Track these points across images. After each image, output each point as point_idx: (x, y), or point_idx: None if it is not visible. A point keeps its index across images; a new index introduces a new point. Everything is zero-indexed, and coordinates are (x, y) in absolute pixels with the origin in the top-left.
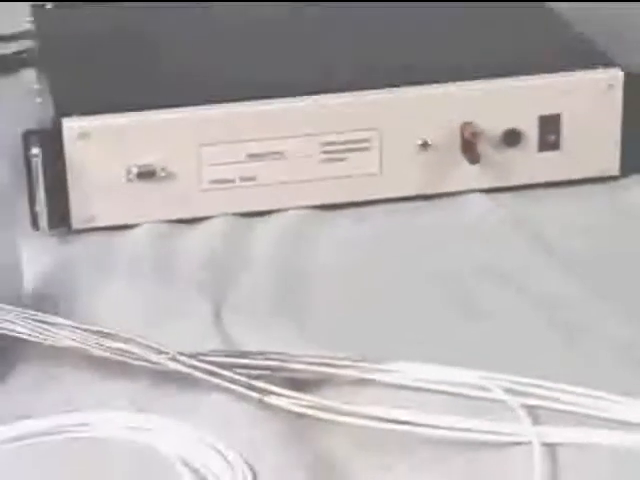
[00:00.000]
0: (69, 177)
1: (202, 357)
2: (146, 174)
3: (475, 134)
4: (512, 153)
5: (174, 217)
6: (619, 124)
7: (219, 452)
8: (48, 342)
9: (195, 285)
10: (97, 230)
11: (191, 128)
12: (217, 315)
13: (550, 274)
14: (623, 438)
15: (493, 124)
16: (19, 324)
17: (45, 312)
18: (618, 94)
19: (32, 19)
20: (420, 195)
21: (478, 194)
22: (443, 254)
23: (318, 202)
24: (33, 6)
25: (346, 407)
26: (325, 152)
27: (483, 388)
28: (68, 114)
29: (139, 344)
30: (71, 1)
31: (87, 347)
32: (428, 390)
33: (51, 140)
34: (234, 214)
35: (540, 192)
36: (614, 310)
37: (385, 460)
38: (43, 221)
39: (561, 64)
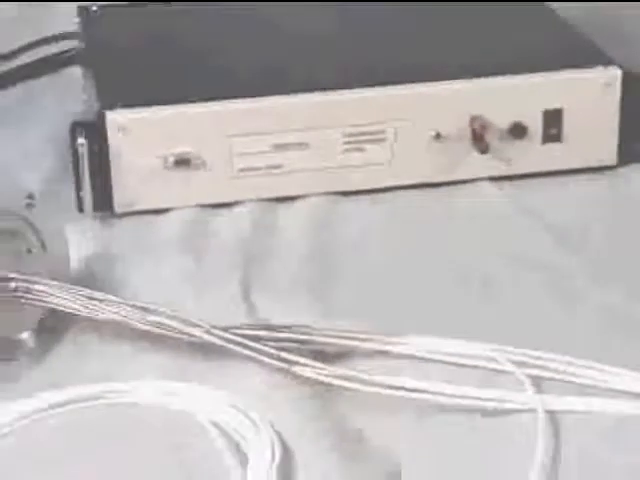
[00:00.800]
0: (112, 165)
1: (234, 330)
2: (181, 162)
3: (484, 126)
4: (518, 144)
5: (207, 202)
6: (617, 118)
7: (249, 417)
8: (95, 316)
9: (226, 264)
10: (137, 213)
11: (222, 120)
12: (247, 291)
13: (552, 253)
14: (621, 406)
15: (500, 117)
16: (68, 300)
17: (91, 289)
18: (616, 91)
19: (78, 20)
20: (433, 182)
21: (486, 182)
22: (454, 236)
23: (339, 188)
24: (79, 8)
25: (365, 376)
26: (345, 142)
27: (492, 360)
28: (111, 107)
29: (176, 318)
30: (114, 0)
31: (130, 321)
32: (441, 361)
33: (95, 131)
34: (262, 199)
35: (543, 180)
36: (613, 285)
37: (400, 425)
38: (88, 205)
39: (563, 63)
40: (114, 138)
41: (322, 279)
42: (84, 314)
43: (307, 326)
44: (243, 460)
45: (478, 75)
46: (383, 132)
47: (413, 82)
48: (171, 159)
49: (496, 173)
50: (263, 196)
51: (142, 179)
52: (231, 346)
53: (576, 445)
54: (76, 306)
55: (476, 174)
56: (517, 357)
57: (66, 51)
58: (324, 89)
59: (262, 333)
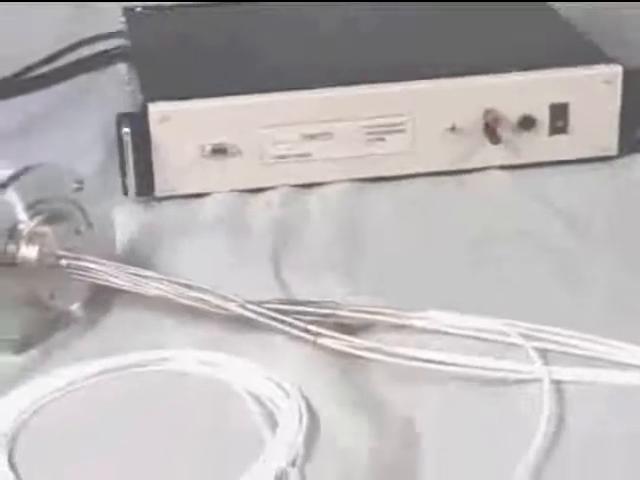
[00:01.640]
0: (154, 153)
1: (266, 305)
2: (218, 151)
3: (496, 119)
4: (527, 135)
5: (241, 187)
6: (618, 112)
7: (279, 386)
8: (140, 291)
9: (259, 244)
10: (176, 198)
11: (256, 112)
12: (278, 269)
13: (559, 235)
14: (623, 377)
15: (511, 111)
16: (114, 276)
17: (135, 266)
18: (617, 87)
19: (124, 20)
20: (449, 170)
21: (498, 170)
22: (468, 219)
23: (362, 175)
24: (125, 9)
25: (387, 348)
26: (368, 133)
27: (503, 333)
28: (153, 100)
29: (213, 293)
30: (157, 1)
31: (172, 296)
32: (456, 334)
33: (139, 121)
34: (291, 185)
35: (550, 168)
36: (616, 264)
37: (418, 393)
38: (132, 190)
39: (569, 61)
40: (156, 128)
41: (347, 258)
42: (129, 289)
43: (333, 301)
44: (274, 425)
45: (490, 72)
46: (403, 124)
47: (430, 78)
48: (208, 148)
49: (507, 162)
50: (293, 182)
51: (181, 166)
52: (263, 320)
53: (580, 413)
54: (121, 282)
55: (488, 163)
56: (526, 331)
57: (113, 49)
58: (349, 84)
59: (292, 308)
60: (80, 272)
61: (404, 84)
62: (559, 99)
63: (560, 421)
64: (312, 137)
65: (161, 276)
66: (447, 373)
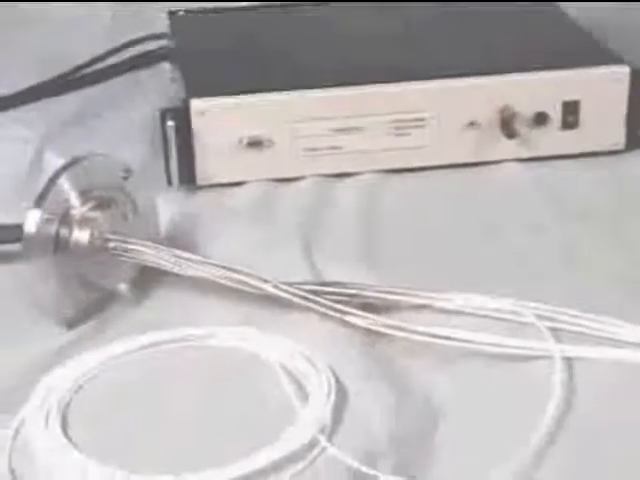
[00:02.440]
0: (195, 145)
1: (297, 285)
2: (254, 143)
3: (511, 115)
4: (540, 131)
5: (275, 177)
6: (625, 109)
7: (309, 360)
8: (181, 272)
9: (291, 229)
10: (215, 186)
11: (289, 108)
12: (308, 253)
13: (568, 223)
14: (629, 355)
15: (526, 107)
16: (158, 258)
17: (177, 249)
18: (625, 86)
19: (169, 23)
20: (467, 163)
21: (513, 162)
22: (485, 206)
23: (387, 167)
24: (169, 13)
25: (408, 326)
26: (394, 128)
27: (516, 313)
28: (194, 96)
29: (249, 274)
30: (199, 0)
31: (210, 276)
32: (472, 314)
33: (181, 116)
34: (321, 175)
35: (561, 161)
36: (621, 251)
37: (437, 368)
38: (174, 179)
39: (581, 62)
40: (197, 122)
41: (373, 243)
42: (171, 270)
43: (359, 283)
44: (304, 396)
45: (507, 72)
46: (426, 119)
47: (451, 77)
48: (245, 140)
49: (521, 155)
50: (322, 172)
51: (220, 157)
52: (295, 299)
53: (589, 387)
54: (165, 263)
55: (504, 156)
56: (538, 311)
57: (158, 49)
58: (376, 82)
59: (321, 288)
60: (127, 254)
61: (427, 83)
62: (571, 97)
63: (571, 393)
64: (342, 131)
65: (201, 258)
66: (464, 349)
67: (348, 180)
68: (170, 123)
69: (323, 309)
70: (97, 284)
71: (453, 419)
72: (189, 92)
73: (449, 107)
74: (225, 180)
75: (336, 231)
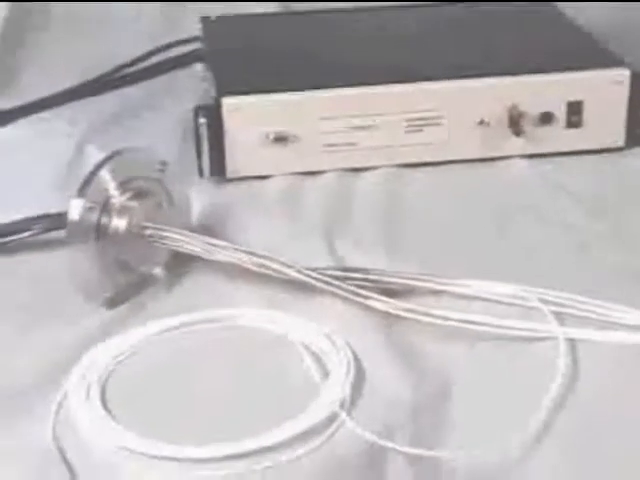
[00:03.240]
0: (225, 140)
1: (320, 271)
2: (280, 139)
3: (519, 114)
4: (546, 129)
5: (299, 170)
6: (626, 109)
7: (331, 341)
8: (212, 258)
9: (314, 219)
10: (244, 179)
11: (313, 106)
12: (331, 241)
13: (573, 215)
14: (630, 338)
15: (532, 107)
16: (191, 244)
17: (208, 237)
18: (626, 87)
19: (201, 27)
20: (477, 158)
21: (520, 159)
22: (494, 200)
23: (403, 162)
24: (202, 17)
25: (426, 310)
26: (408, 125)
27: (523, 298)
28: (225, 94)
29: (275, 260)
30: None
31: (239, 262)
32: (485, 299)
33: (213, 113)
34: (342, 169)
35: (565, 157)
36: (623, 241)
37: (451, 349)
38: (206, 171)
39: (585, 64)
40: (227, 119)
41: (390, 232)
42: (203, 256)
43: (379, 269)
44: (325, 374)
45: (515, 73)
46: (438, 117)
47: (463, 78)
48: (272, 136)
49: (528, 152)
50: (343, 167)
51: (248, 151)
52: (318, 284)
53: (592, 367)
54: (196, 249)
55: (512, 153)
56: (544, 296)
57: (192, 51)
58: (392, 82)
59: (343, 274)
60: (162, 241)
61: (440, 83)
62: (575, 97)
63: (574, 372)
64: (360, 128)
65: (230, 245)
66: (476, 332)
67: (366, 174)
68: (202, 120)
69: (345, 293)
70: (134, 269)
71: (465, 394)
72: (220, 91)
73: (461, 106)
74: (253, 173)
75: (356, 221)
